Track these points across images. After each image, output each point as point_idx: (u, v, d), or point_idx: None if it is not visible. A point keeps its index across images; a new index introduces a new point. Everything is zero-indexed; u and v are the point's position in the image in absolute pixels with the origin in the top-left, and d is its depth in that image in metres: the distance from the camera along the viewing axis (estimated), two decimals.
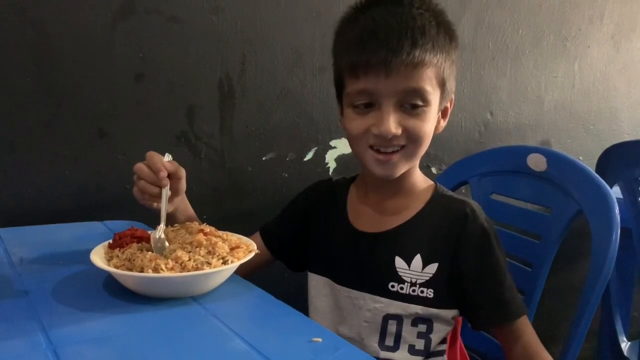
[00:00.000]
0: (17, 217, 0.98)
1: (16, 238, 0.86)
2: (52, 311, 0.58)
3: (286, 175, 1.25)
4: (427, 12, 0.74)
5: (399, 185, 0.82)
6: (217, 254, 0.65)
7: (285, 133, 1.23)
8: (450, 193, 0.84)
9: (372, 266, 0.81)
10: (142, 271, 0.61)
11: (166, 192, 0.75)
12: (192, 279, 0.62)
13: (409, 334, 0.79)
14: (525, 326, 0.79)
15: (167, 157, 0.77)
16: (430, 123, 0.75)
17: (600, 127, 1.74)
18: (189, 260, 0.63)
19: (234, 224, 0.82)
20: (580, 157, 1.68)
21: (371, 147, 0.76)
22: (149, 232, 0.73)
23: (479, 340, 1.03)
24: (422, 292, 0.78)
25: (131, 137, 1.08)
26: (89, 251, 0.66)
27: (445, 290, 0.78)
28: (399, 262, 0.78)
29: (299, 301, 0.74)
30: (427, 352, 0.79)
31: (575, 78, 1.66)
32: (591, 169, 0.95)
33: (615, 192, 1.14)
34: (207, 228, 0.73)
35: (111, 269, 0.62)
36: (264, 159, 1.22)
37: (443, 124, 0.82)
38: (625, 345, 1.47)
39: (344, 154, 1.30)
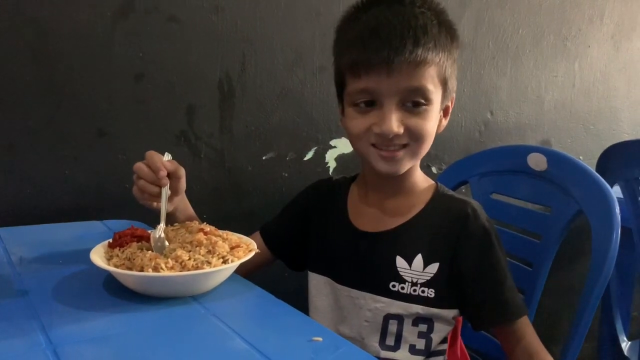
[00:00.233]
0: (17, 217, 0.98)
1: (16, 238, 0.86)
2: (52, 311, 0.58)
3: (286, 174, 1.25)
4: (429, 11, 0.74)
5: (399, 185, 0.82)
6: (217, 253, 0.65)
7: (285, 133, 1.23)
8: (451, 193, 0.84)
9: (373, 266, 0.80)
10: (142, 270, 0.61)
11: (166, 191, 0.75)
12: (192, 278, 0.62)
13: (410, 333, 0.79)
14: (526, 326, 0.78)
15: (167, 157, 0.77)
16: (432, 122, 0.75)
17: (600, 126, 1.74)
18: (189, 259, 0.63)
19: (233, 224, 0.82)
20: (581, 157, 1.68)
21: (373, 145, 0.76)
22: (149, 231, 0.73)
23: (479, 340, 1.03)
24: (423, 292, 0.78)
25: (131, 137, 1.07)
26: (88, 251, 0.66)
27: (446, 290, 0.78)
28: (400, 261, 0.78)
29: (299, 300, 0.73)
30: (427, 352, 0.79)
31: (576, 78, 1.66)
32: (591, 168, 0.95)
33: (616, 191, 1.14)
34: (207, 227, 0.73)
35: (111, 269, 0.62)
36: (264, 158, 1.22)
37: (444, 122, 0.82)
38: (625, 345, 1.47)
39: (344, 154, 1.30)
